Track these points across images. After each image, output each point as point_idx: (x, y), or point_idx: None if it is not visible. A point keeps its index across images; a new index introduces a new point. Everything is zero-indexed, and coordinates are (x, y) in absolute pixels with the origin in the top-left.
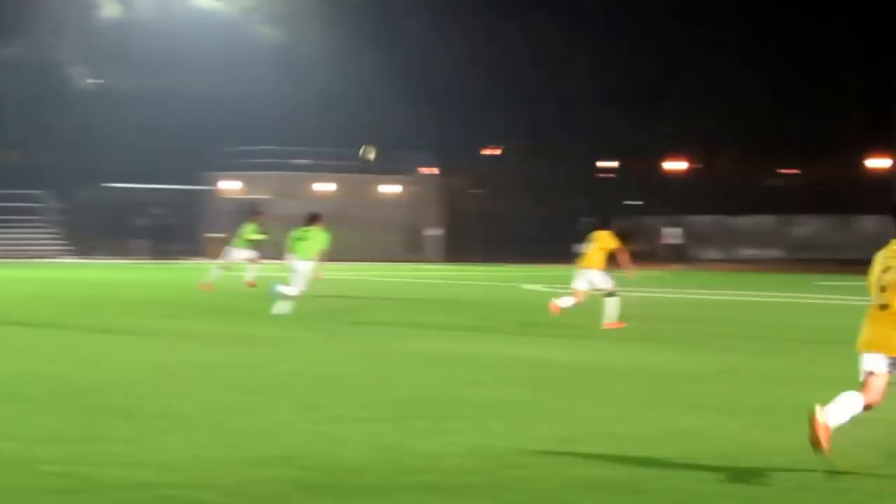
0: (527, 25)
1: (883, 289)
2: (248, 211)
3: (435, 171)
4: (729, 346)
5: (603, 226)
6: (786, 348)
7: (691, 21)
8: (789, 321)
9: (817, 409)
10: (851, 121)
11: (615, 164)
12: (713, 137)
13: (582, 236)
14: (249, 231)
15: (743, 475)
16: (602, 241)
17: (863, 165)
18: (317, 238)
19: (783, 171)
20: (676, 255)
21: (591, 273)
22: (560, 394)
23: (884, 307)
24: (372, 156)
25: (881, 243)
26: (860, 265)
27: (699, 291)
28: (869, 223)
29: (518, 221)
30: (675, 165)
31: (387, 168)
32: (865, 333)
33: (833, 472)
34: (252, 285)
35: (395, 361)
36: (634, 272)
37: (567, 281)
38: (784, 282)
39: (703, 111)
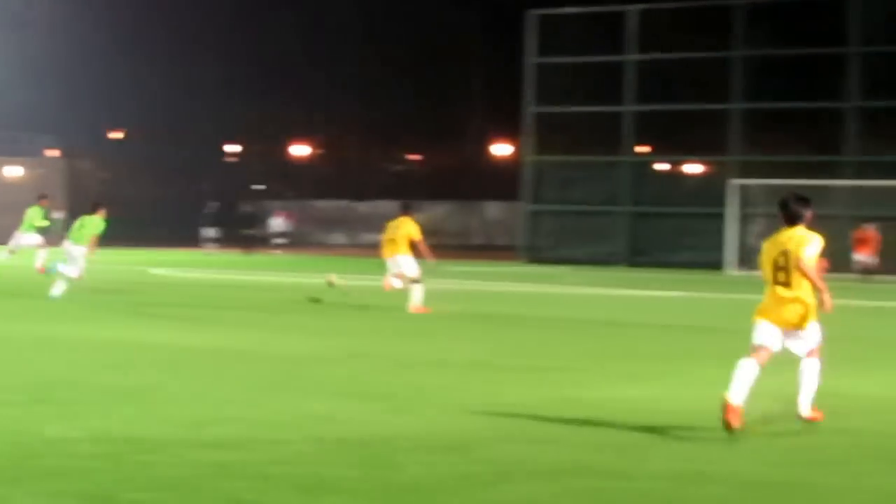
0: (155, 5)
1: (781, 269)
2: (37, 196)
3: (58, 153)
4: (357, 331)
5: (406, 212)
6: (412, 334)
7: (314, 4)
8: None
9: (726, 395)
10: (476, 108)
11: (239, 148)
12: (339, 122)
13: (210, 220)
14: (36, 216)
15: (370, 460)
16: (406, 228)
17: (486, 152)
18: (93, 225)
19: (408, 156)
20: (283, 240)
21: (400, 259)
22: (188, 378)
23: (785, 285)
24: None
25: (504, 230)
26: (484, 251)
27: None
28: (492, 209)
29: (144, 205)
30: (301, 150)
31: (7, 150)
32: (764, 307)
33: (461, 461)
34: (43, 271)
35: (22, 346)
36: (433, 259)
37: (193, 264)
38: None
39: (329, 96)
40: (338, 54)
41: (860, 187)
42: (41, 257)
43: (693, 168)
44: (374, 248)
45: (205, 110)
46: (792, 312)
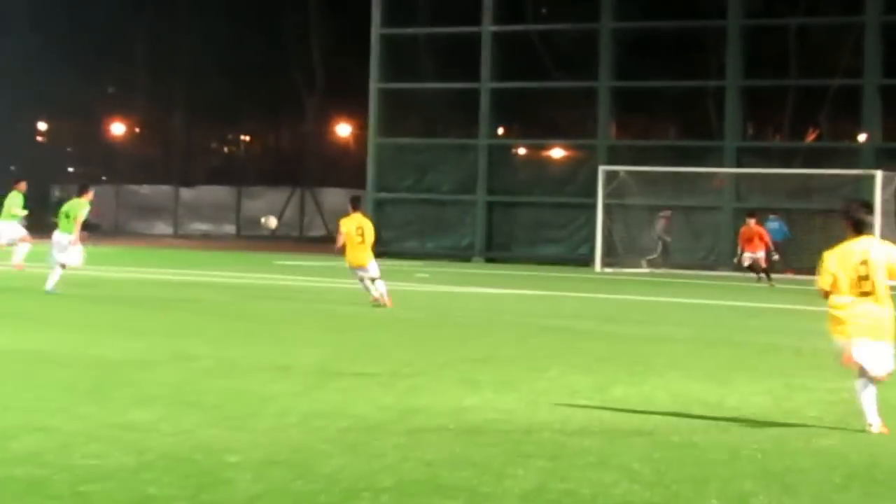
0: None
1: (863, 279)
2: (13, 180)
3: None
4: (185, 330)
5: (359, 208)
6: (246, 335)
7: None
8: (251, 307)
9: (868, 426)
10: (315, 83)
11: (48, 126)
12: (162, 99)
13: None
14: (15, 203)
15: (198, 476)
16: (369, 229)
17: (328, 133)
18: (80, 209)
19: (240, 137)
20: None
21: (369, 266)
22: None
23: (869, 295)
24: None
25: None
26: (324, 244)
27: (143, 270)
28: (332, 197)
29: None
30: (119, 129)
31: None
32: (854, 322)
33: (298, 477)
34: (21, 268)
35: None
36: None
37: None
38: (237, 260)
39: (152, 69)
40: (161, 21)
41: (743, 175)
42: (22, 252)
43: (558, 153)
44: (201, 240)
45: (7, 82)
46: (884, 324)
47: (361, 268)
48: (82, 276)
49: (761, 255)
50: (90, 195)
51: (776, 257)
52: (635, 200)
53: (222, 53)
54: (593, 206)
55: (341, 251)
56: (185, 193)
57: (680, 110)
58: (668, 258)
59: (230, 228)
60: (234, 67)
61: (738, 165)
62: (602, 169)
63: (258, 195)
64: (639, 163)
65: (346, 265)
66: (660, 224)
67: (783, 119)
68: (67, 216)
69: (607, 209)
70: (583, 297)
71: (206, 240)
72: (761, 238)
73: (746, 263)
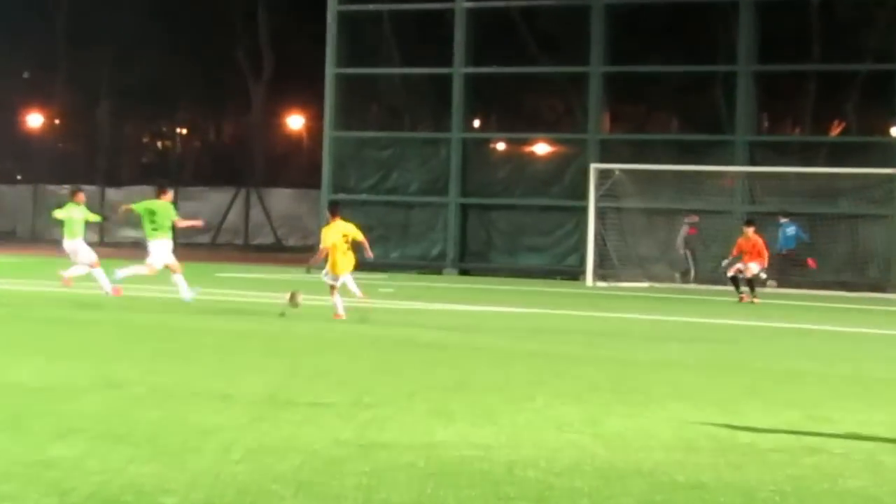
0: None
1: None
2: (70, 191)
3: None
4: (108, 355)
5: (339, 212)
6: (183, 357)
7: None
8: (188, 326)
9: None
10: (263, 69)
11: None
12: (86, 87)
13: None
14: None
15: None
16: (356, 234)
17: (277, 126)
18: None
19: (176, 130)
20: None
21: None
22: None
23: None
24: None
25: (298, 226)
26: (272, 252)
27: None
28: (282, 200)
29: None
30: (36, 121)
31: None
32: None
33: None
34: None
35: None
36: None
37: None
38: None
39: (74, 52)
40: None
41: (757, 175)
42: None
43: (542, 148)
44: (131, 249)
45: None
46: None
47: (344, 275)
48: None
49: (754, 267)
50: (169, 196)
51: (765, 277)
52: (632, 203)
53: (156, 32)
54: (584, 210)
55: (317, 263)
56: (113, 195)
57: (683, 99)
58: (694, 273)
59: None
60: (168, 48)
61: (751, 163)
62: (594, 167)
63: (197, 196)
64: (636, 160)
65: (327, 274)
66: (684, 232)
67: (803, 109)
68: (154, 219)
69: (600, 213)
70: (571, 316)
71: (138, 248)
72: (760, 253)
73: (730, 273)
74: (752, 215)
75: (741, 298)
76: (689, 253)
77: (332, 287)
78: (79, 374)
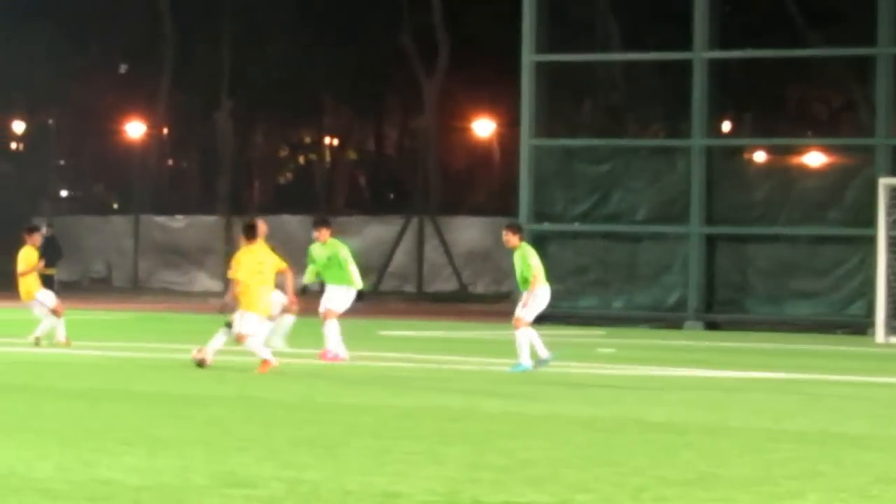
0: None
1: None
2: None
3: None
4: (233, 444)
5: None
6: (328, 447)
7: None
8: (341, 403)
9: None
10: (434, 64)
11: (25, 125)
12: (203, 84)
13: None
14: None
15: None
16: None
17: (456, 135)
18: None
19: (325, 140)
20: None
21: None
22: None
23: None
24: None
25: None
26: (452, 303)
27: (166, 347)
28: (467, 230)
29: None
30: (137, 130)
31: None
32: None
33: None
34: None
35: None
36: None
37: None
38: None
39: (184, 38)
40: None
41: None
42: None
43: (815, 158)
44: None
45: None
46: None
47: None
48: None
49: None
50: (35, 239)
51: None
52: None
53: (293, 10)
54: (871, 240)
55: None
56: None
57: None
58: None
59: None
60: (311, 32)
61: None
62: (884, 182)
63: (352, 229)
64: None
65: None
66: None
67: None
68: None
69: (893, 244)
70: (854, 383)
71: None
72: None
73: None
74: None
75: None
76: None
77: (241, 336)
78: (192, 470)
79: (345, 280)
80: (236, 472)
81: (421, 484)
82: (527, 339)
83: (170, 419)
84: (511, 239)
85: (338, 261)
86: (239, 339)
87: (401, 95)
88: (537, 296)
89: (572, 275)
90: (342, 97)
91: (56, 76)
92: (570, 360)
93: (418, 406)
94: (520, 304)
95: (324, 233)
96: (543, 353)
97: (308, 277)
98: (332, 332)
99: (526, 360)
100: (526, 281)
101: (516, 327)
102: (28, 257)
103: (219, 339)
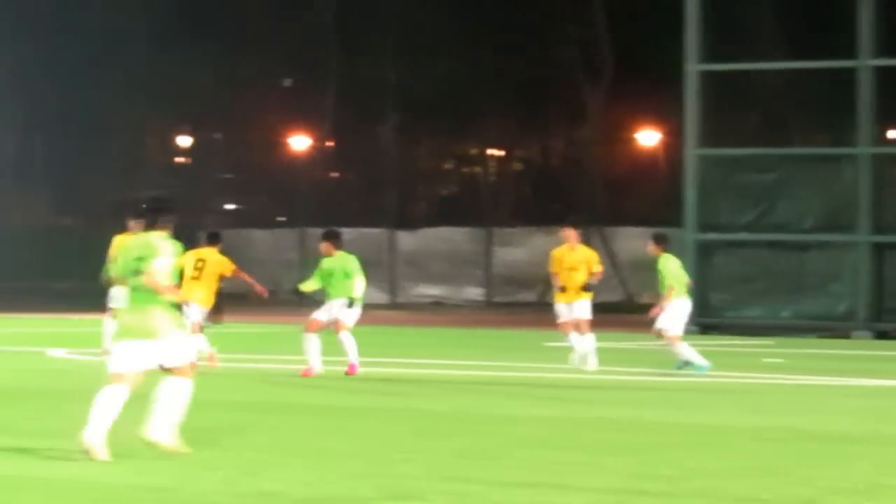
0: None
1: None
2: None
3: None
4: (394, 456)
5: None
6: (497, 456)
7: None
8: (498, 410)
9: None
10: (599, 74)
11: (193, 140)
12: (366, 96)
13: None
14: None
15: None
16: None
17: (619, 145)
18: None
19: (488, 152)
20: None
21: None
22: None
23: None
24: None
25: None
26: (618, 313)
27: (332, 359)
28: (627, 240)
29: None
30: (301, 143)
31: None
32: None
33: None
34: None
35: None
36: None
37: None
38: (488, 341)
39: (349, 47)
40: None
41: None
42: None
43: None
44: (430, 311)
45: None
46: None
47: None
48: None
49: None
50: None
51: None
52: None
53: (457, 23)
54: None
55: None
56: (406, 240)
57: None
58: None
59: (475, 293)
60: (473, 44)
61: None
62: None
63: (516, 240)
64: None
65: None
66: None
67: None
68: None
69: None
70: None
71: (439, 310)
72: None
73: None
74: None
75: None
76: None
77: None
78: (358, 482)
79: (347, 293)
80: (401, 484)
81: (586, 495)
82: (686, 347)
83: (335, 431)
84: (653, 249)
85: (345, 273)
86: None
87: (565, 106)
88: (675, 307)
89: (739, 284)
90: (506, 109)
91: (221, 91)
92: (737, 370)
93: (582, 417)
94: (661, 316)
95: (326, 246)
96: (699, 360)
97: (309, 286)
98: (313, 344)
99: (700, 360)
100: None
101: (671, 344)
102: (224, 264)
103: None
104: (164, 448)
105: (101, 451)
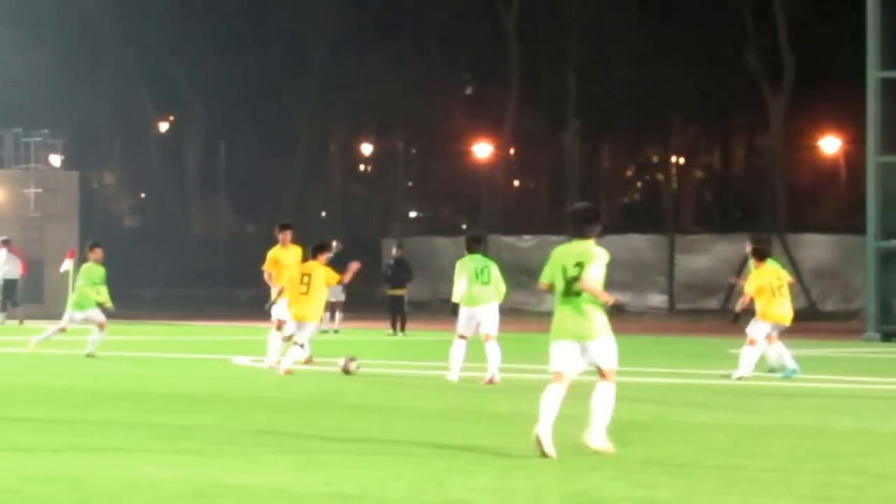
0: None
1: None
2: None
3: None
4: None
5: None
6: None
7: None
8: (684, 422)
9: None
10: (780, 81)
11: (374, 148)
12: (547, 104)
13: None
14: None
15: None
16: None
17: (801, 151)
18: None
19: (671, 159)
20: None
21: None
22: None
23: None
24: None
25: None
26: (803, 321)
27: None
28: (809, 247)
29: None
30: (484, 151)
31: None
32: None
33: None
34: None
35: None
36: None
37: None
38: (672, 348)
39: (527, 50)
40: None
41: None
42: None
43: None
44: (613, 318)
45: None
46: None
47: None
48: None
49: None
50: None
51: None
52: None
53: (640, 30)
54: None
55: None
56: None
57: None
58: None
59: (658, 300)
60: (655, 51)
61: None
62: None
63: (697, 248)
64: None
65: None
66: None
67: None
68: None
69: None
70: None
71: (621, 317)
72: None
73: None
74: None
75: None
76: None
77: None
78: (544, 490)
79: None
80: (588, 492)
81: (772, 503)
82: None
83: (523, 438)
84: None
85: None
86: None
87: (747, 114)
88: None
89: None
90: (688, 116)
91: (404, 99)
92: None
93: (770, 424)
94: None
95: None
96: (791, 363)
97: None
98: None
99: (791, 364)
100: None
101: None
102: (329, 275)
103: None
104: (603, 452)
105: (549, 447)
